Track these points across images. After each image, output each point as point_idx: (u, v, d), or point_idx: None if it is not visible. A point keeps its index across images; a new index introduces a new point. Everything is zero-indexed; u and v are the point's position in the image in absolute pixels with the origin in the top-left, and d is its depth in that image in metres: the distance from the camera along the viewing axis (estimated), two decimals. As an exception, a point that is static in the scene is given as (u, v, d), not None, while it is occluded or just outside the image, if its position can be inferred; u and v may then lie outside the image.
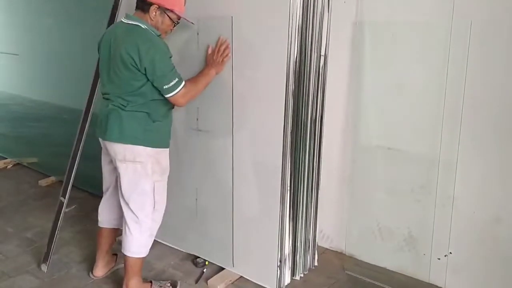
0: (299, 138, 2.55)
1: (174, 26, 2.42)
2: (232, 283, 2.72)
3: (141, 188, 2.39)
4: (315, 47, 2.52)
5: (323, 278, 2.78)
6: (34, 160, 4.55)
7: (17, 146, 4.73)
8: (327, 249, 3.08)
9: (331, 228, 3.04)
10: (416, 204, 2.66)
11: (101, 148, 2.53)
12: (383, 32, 2.64)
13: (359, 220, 2.90)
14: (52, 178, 4.23)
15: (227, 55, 2.50)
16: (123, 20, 2.36)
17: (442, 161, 2.54)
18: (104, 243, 2.72)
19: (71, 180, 2.78)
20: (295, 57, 2.38)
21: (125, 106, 2.31)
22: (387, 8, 2.61)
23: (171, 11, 2.34)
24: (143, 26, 2.29)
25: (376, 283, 2.71)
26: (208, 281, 2.71)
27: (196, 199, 2.87)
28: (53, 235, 2.82)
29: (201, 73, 2.50)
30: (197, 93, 2.42)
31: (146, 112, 2.33)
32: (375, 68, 2.69)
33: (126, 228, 2.45)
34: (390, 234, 2.79)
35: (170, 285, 2.66)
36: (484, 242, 2.50)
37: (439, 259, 2.63)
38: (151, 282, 2.62)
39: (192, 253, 2.98)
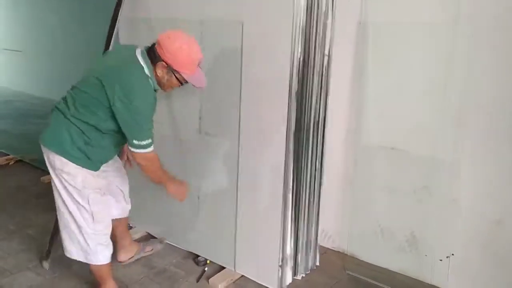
0: (302, 138, 2.55)
1: (181, 85, 2.27)
2: (234, 282, 2.72)
3: (74, 199, 2.29)
4: (319, 47, 2.52)
5: (324, 278, 2.78)
6: (36, 157, 4.55)
7: (19, 143, 4.74)
8: (328, 249, 3.08)
9: (333, 228, 3.04)
10: (419, 205, 2.66)
11: None
12: (387, 33, 2.63)
13: (361, 221, 2.90)
14: (54, 175, 4.22)
15: (175, 191, 2.48)
16: (136, 54, 2.21)
17: (445, 162, 2.53)
18: (114, 233, 2.68)
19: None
20: (298, 57, 2.38)
21: (71, 116, 2.20)
22: (391, 8, 2.60)
23: (180, 73, 2.19)
24: (146, 72, 2.17)
25: (378, 283, 2.71)
26: (210, 280, 2.71)
27: (199, 198, 2.87)
28: (55, 232, 2.82)
29: (167, 176, 2.43)
30: (153, 172, 2.32)
31: (85, 133, 2.21)
32: (378, 68, 2.69)
33: (70, 233, 2.38)
34: (392, 235, 2.79)
35: None
36: (487, 244, 2.49)
37: (441, 260, 2.63)
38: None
39: (194, 251, 2.97)
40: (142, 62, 2.19)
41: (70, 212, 2.33)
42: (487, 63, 2.35)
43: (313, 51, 2.48)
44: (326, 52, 2.58)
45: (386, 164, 2.74)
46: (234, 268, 2.77)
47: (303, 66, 2.44)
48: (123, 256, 2.86)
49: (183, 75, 2.18)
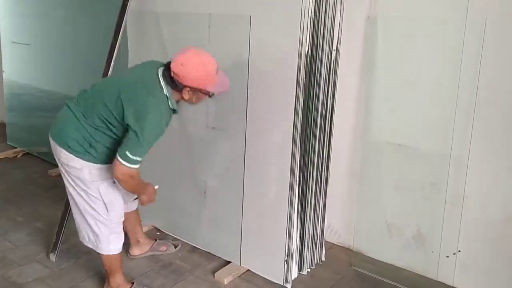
0: (309, 133, 2.54)
1: (210, 96, 2.26)
2: (239, 276, 2.72)
3: (84, 191, 2.31)
4: (327, 41, 2.50)
5: (330, 273, 2.77)
6: (44, 150, 4.56)
7: (27, 136, 4.75)
8: (334, 244, 3.07)
9: (339, 223, 3.03)
10: (426, 202, 2.65)
11: None
12: (396, 27, 2.61)
13: (368, 216, 2.89)
14: (62, 168, 4.25)
15: (147, 201, 2.46)
16: (159, 73, 2.21)
17: (453, 159, 2.51)
18: (125, 226, 2.66)
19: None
20: (306, 51, 2.37)
21: (82, 118, 2.22)
22: (400, 2, 2.58)
23: (205, 89, 2.20)
24: (163, 88, 2.18)
25: (383, 279, 2.70)
26: (215, 274, 2.71)
27: (205, 192, 2.87)
28: (62, 225, 2.84)
29: (143, 185, 2.38)
30: (130, 187, 2.26)
31: (93, 137, 2.22)
32: (387, 63, 2.67)
33: (84, 221, 2.41)
34: (399, 231, 2.78)
35: None
36: (493, 240, 2.48)
37: (447, 257, 2.62)
38: (133, 283, 2.60)
39: (199, 246, 2.98)
40: (162, 83, 2.19)
41: (83, 202, 2.35)
42: (497, 58, 2.32)
43: (321, 46, 2.47)
44: (335, 46, 2.57)
45: (393, 160, 2.73)
46: (240, 262, 2.77)
47: (311, 60, 2.43)
48: (136, 251, 2.87)
49: (208, 89, 2.20)
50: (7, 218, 3.39)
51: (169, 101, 2.20)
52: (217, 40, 2.62)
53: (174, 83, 2.17)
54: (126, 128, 2.16)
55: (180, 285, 2.67)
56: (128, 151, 2.11)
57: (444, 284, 2.65)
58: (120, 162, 2.12)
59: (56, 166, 4.32)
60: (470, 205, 2.51)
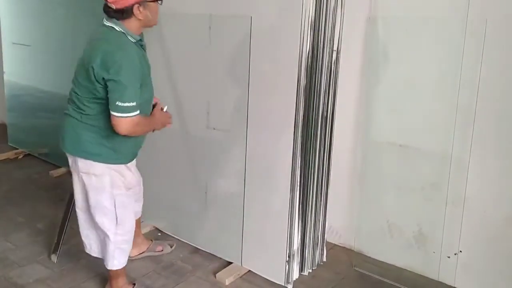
0: (310, 133, 2.54)
1: (161, 2, 2.22)
2: (241, 277, 2.72)
3: (99, 202, 2.29)
4: (328, 42, 2.50)
5: (331, 274, 2.77)
6: (45, 151, 4.57)
7: (28, 137, 4.75)
8: (336, 245, 3.07)
9: (340, 224, 3.03)
10: (427, 202, 2.64)
11: None
12: (396, 28, 2.61)
13: (369, 217, 2.89)
14: (63, 169, 4.24)
15: (169, 123, 2.41)
16: (103, 22, 2.18)
17: (454, 159, 2.51)
18: None
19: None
20: (307, 52, 2.37)
21: (81, 114, 2.19)
22: (401, 3, 2.58)
23: None
24: (118, 29, 2.13)
25: (385, 280, 2.70)
26: (217, 274, 2.71)
27: (206, 193, 2.87)
28: (63, 226, 2.85)
29: (151, 119, 2.31)
30: (140, 132, 2.23)
31: (101, 127, 2.18)
32: (387, 64, 2.67)
33: (93, 232, 2.44)
34: (400, 232, 2.78)
35: None
36: (495, 241, 2.48)
37: (449, 257, 2.62)
38: (134, 284, 2.61)
39: (201, 247, 2.98)
40: (110, 23, 2.14)
41: (93, 213, 2.33)
42: (498, 58, 2.32)
43: (321, 46, 2.47)
44: (335, 47, 2.57)
45: (394, 160, 2.73)
46: (241, 263, 2.77)
47: (312, 61, 2.43)
48: (133, 251, 2.86)
49: None
50: (8, 218, 3.39)
51: (127, 36, 2.14)
52: (218, 41, 2.62)
53: (121, 13, 2.10)
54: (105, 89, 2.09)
55: (181, 286, 2.67)
56: (117, 101, 2.03)
57: (445, 284, 2.64)
58: (116, 116, 2.05)
59: (58, 167, 4.36)
60: (471, 205, 2.51)
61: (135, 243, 2.85)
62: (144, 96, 2.19)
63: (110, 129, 2.14)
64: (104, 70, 2.04)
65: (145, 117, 2.22)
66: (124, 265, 2.47)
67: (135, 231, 2.81)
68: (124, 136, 2.14)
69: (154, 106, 2.36)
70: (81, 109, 2.20)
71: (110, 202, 2.29)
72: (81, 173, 2.26)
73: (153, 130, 2.33)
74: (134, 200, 2.52)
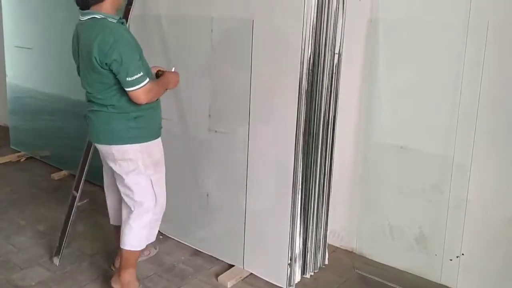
0: (311, 136, 2.54)
1: None
2: (242, 280, 2.72)
3: (137, 184, 2.38)
4: (329, 45, 2.51)
5: (333, 276, 2.77)
6: (47, 153, 4.58)
7: (30, 140, 4.76)
8: (337, 247, 3.07)
9: (342, 226, 3.03)
10: (428, 204, 2.64)
11: None
12: (398, 30, 2.62)
13: (370, 219, 2.89)
14: (65, 172, 4.26)
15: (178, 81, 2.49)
16: (80, 19, 2.28)
17: (455, 161, 2.51)
18: (119, 238, 2.72)
19: (83, 175, 2.80)
20: (309, 55, 2.37)
21: (104, 106, 2.29)
22: (402, 5, 2.58)
23: None
24: (98, 17, 2.21)
25: (386, 282, 2.70)
26: (219, 277, 2.71)
27: (207, 195, 2.87)
28: (65, 229, 2.84)
29: (162, 80, 2.39)
30: (157, 95, 2.33)
31: (126, 111, 2.29)
32: (389, 66, 2.67)
33: (127, 223, 2.46)
34: (401, 234, 2.77)
35: None
36: (497, 243, 2.47)
37: (451, 260, 2.61)
38: (140, 282, 2.61)
39: (202, 249, 2.98)
40: (89, 13, 2.23)
41: (130, 196, 2.41)
42: (500, 60, 2.32)
43: (323, 49, 2.48)
44: (337, 50, 2.57)
45: (396, 162, 2.73)
46: (243, 265, 2.77)
47: (313, 64, 2.43)
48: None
49: None
50: (10, 221, 3.40)
51: (109, 19, 2.23)
52: (219, 44, 2.62)
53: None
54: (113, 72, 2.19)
55: (183, 288, 2.67)
56: (126, 77, 2.15)
57: (447, 287, 2.64)
58: (131, 91, 2.18)
59: (59, 169, 4.37)
60: (473, 207, 2.51)
61: None
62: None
63: (133, 110, 2.28)
64: (104, 56, 2.14)
65: (156, 82, 2.33)
66: (153, 239, 2.57)
67: None
68: (147, 110, 2.32)
69: (157, 74, 2.44)
70: (103, 103, 2.29)
71: (147, 182, 2.40)
72: (118, 161, 2.35)
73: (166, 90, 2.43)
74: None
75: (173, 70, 2.50)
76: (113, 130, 2.31)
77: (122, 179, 2.39)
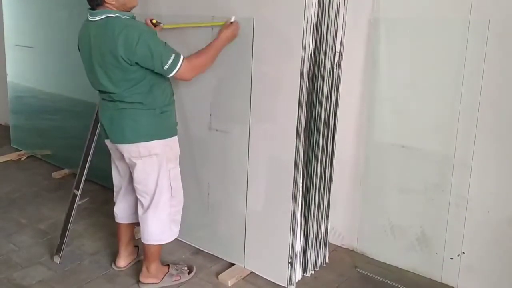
0: (312, 135, 2.54)
1: None
2: (243, 278, 2.72)
3: (158, 178, 2.43)
4: (330, 44, 2.50)
5: (334, 275, 2.77)
6: (47, 152, 4.58)
7: (31, 138, 4.77)
8: (338, 246, 3.07)
9: (343, 225, 3.03)
10: (429, 203, 2.64)
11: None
12: (399, 29, 2.61)
13: (371, 218, 2.89)
14: (65, 171, 4.27)
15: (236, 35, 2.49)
16: (90, 19, 2.27)
17: (457, 160, 2.51)
18: (124, 236, 2.77)
19: (84, 174, 2.80)
20: (309, 54, 2.37)
21: (130, 104, 2.31)
22: (403, 4, 2.58)
23: None
24: (114, 15, 2.22)
25: (387, 281, 2.70)
26: (219, 276, 2.71)
27: (208, 194, 2.87)
28: (66, 227, 2.85)
29: (208, 47, 2.41)
30: (204, 64, 2.37)
31: (153, 107, 2.34)
32: (390, 65, 2.67)
33: (145, 219, 2.50)
34: (402, 233, 2.77)
35: (187, 269, 2.73)
36: (498, 242, 2.47)
37: (452, 258, 2.61)
38: (168, 265, 2.71)
39: (203, 248, 2.98)
40: (103, 16, 2.23)
41: (155, 194, 2.47)
42: (501, 59, 2.32)
43: (324, 48, 2.47)
44: (338, 49, 2.57)
45: (397, 161, 2.72)
46: (244, 264, 2.77)
47: (314, 62, 2.43)
48: (123, 262, 2.81)
49: None
50: (11, 220, 3.40)
51: (123, 16, 2.25)
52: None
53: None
54: (140, 68, 2.23)
55: (184, 287, 2.67)
56: (163, 65, 2.21)
57: (448, 286, 2.64)
58: (174, 74, 2.25)
59: (60, 168, 4.37)
60: (474, 206, 2.50)
61: (126, 254, 2.82)
62: None
63: (158, 107, 2.35)
64: (132, 54, 2.17)
65: (196, 53, 2.36)
66: (177, 235, 2.63)
67: (131, 241, 2.84)
68: (169, 105, 2.43)
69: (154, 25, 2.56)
70: (129, 100, 2.31)
71: (167, 175, 2.46)
72: (142, 158, 2.38)
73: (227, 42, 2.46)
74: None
75: (232, 20, 2.47)
76: (141, 127, 2.34)
77: (142, 175, 2.42)
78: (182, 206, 2.61)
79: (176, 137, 2.51)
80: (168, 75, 2.26)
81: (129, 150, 2.39)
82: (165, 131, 2.43)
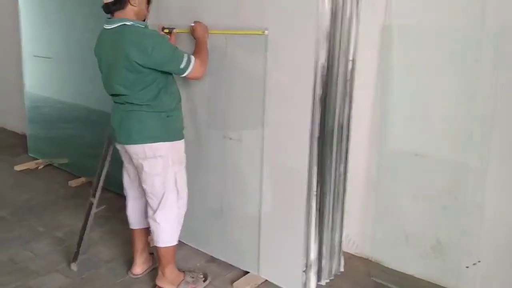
0: (326, 143, 2.55)
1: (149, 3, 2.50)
2: (257, 286, 2.72)
3: (164, 180, 2.49)
4: (343, 51, 2.52)
5: (349, 284, 2.76)
6: (64, 161, 4.64)
7: (48, 147, 4.83)
8: (353, 255, 3.06)
9: (358, 233, 3.02)
10: (444, 211, 2.62)
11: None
12: (411, 36, 2.61)
13: (386, 226, 2.87)
14: (82, 179, 4.31)
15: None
16: (106, 27, 2.40)
17: (471, 168, 2.49)
18: (138, 243, 2.81)
19: (100, 182, 2.83)
20: (323, 62, 2.38)
21: (139, 106, 2.38)
22: (416, 11, 2.58)
23: None
24: (129, 23, 2.33)
25: (403, 290, 2.68)
26: (234, 284, 2.72)
27: (222, 202, 2.88)
28: (82, 235, 2.88)
29: (199, 45, 2.59)
30: (207, 60, 2.54)
31: (160, 110, 2.41)
32: (403, 73, 2.66)
33: (154, 221, 2.55)
34: (417, 241, 2.75)
35: (202, 277, 2.75)
36: (515, 251, 2.45)
37: (467, 267, 2.59)
38: (184, 272, 2.72)
39: (217, 256, 2.99)
40: (119, 23, 2.34)
41: (155, 194, 2.52)
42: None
43: (337, 57, 2.48)
44: (351, 57, 2.58)
45: (411, 169, 2.71)
46: (258, 272, 2.77)
47: (327, 71, 2.44)
48: (138, 269, 2.84)
49: None
50: (28, 228, 3.45)
51: (136, 24, 2.35)
52: (233, 52, 2.65)
53: (119, 3, 2.33)
54: (152, 70, 2.33)
55: (198, 295, 2.68)
56: (179, 65, 2.35)
57: (465, 294, 2.62)
58: (188, 73, 2.39)
59: (77, 176, 4.42)
60: (490, 213, 2.48)
61: (141, 261, 2.85)
62: None
63: (165, 110, 2.43)
64: (147, 59, 2.27)
65: (196, 52, 2.52)
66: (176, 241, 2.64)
67: (145, 247, 2.87)
68: (175, 110, 2.49)
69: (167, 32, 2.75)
70: (139, 102, 2.39)
71: (172, 177, 2.51)
72: (148, 159, 2.44)
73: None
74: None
75: (192, 24, 2.67)
76: (147, 129, 2.41)
77: (149, 176, 2.48)
78: (185, 210, 2.65)
79: (182, 141, 2.57)
80: (184, 73, 2.38)
81: (136, 151, 2.45)
82: (170, 134, 2.48)
